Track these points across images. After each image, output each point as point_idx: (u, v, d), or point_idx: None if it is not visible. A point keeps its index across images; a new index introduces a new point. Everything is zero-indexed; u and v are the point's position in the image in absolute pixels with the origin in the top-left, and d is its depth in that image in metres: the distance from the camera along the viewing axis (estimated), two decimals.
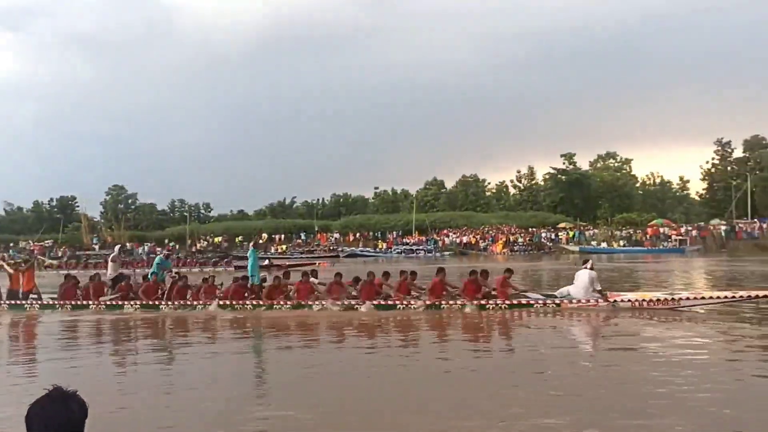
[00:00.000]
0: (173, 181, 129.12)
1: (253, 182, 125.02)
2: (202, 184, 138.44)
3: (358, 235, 70.24)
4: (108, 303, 16.32)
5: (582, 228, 62.78)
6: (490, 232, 63.27)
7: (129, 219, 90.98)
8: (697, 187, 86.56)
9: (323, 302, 14.59)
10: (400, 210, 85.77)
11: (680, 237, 53.03)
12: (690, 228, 56.33)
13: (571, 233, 59.38)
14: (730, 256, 38.72)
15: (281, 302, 14.98)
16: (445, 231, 67.20)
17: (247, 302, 15.23)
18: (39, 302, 16.99)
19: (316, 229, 77.37)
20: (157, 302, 15.95)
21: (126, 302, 16.21)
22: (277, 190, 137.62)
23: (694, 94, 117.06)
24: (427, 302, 14.03)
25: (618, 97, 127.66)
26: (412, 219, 70.39)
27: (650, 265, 33.48)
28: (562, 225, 64.90)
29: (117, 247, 19.66)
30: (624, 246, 53.53)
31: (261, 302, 15.16)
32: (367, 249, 60.14)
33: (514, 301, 13.67)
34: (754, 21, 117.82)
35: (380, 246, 63.39)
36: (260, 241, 54.74)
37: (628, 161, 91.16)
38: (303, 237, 73.37)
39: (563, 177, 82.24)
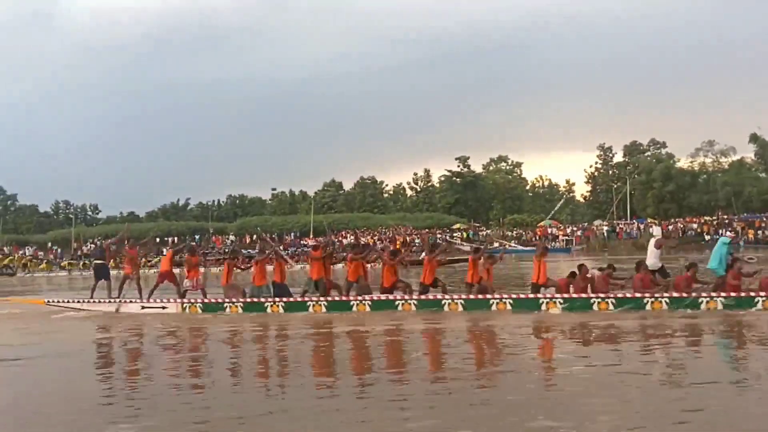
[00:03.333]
0: (58, 182, 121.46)
1: (145, 183, 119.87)
2: (89, 185, 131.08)
3: (254, 237, 68.79)
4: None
5: (475, 229, 64.45)
6: (388, 233, 63.69)
7: (7, 221, 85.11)
8: (581, 190, 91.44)
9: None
10: (298, 211, 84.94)
11: (566, 237, 55.50)
12: (575, 228, 59.11)
13: (465, 234, 60.78)
14: (611, 255, 40.88)
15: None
16: (344, 232, 67.03)
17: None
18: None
19: (211, 231, 75.20)
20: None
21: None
22: (170, 191, 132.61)
23: (580, 101, 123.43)
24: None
25: (510, 103, 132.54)
26: (310, 220, 69.78)
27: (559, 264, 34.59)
28: (456, 226, 66.38)
29: (657, 229, 15.93)
30: (515, 246, 55.30)
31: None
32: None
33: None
34: (637, 33, 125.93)
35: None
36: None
37: (518, 165, 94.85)
38: (197, 239, 71.03)
39: (458, 179, 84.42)
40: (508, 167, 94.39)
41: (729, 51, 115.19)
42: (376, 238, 61.74)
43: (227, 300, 13.92)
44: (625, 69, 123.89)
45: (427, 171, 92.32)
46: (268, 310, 13.41)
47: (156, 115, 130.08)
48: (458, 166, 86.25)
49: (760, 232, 48.99)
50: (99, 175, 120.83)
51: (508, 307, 12.53)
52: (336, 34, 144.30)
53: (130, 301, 14.59)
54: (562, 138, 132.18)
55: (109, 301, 14.84)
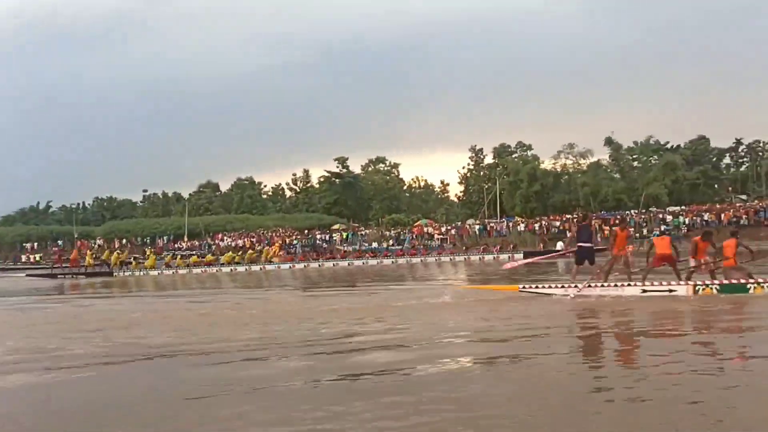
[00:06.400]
0: None
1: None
2: None
3: (124, 241, 65.68)
4: None
5: (355, 229, 65.15)
6: (266, 234, 62.96)
7: None
8: (455, 190, 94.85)
9: None
10: (172, 214, 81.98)
11: (441, 236, 57.39)
12: (450, 227, 61.26)
13: (344, 234, 61.26)
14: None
15: None
16: (220, 235, 65.49)
17: None
18: None
19: (76, 236, 70.95)
20: None
21: None
22: (29, 193, 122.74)
23: (454, 104, 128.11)
24: None
25: (388, 105, 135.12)
26: (184, 222, 67.60)
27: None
28: (336, 226, 66.76)
29: None
30: (392, 245, 56.47)
31: None
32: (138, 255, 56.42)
33: None
34: (507, 39, 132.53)
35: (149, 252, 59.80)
36: None
37: (396, 166, 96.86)
38: (60, 244, 66.73)
39: (337, 180, 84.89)
40: (386, 168, 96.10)
41: (589, 60, 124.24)
42: (254, 239, 60.97)
43: (751, 280, 12.47)
44: (495, 73, 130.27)
45: (306, 171, 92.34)
46: None
47: (12, 117, 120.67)
48: (337, 167, 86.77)
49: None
50: None
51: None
52: (212, 34, 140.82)
53: (628, 285, 13.22)
54: (437, 139, 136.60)
55: (604, 286, 13.35)
